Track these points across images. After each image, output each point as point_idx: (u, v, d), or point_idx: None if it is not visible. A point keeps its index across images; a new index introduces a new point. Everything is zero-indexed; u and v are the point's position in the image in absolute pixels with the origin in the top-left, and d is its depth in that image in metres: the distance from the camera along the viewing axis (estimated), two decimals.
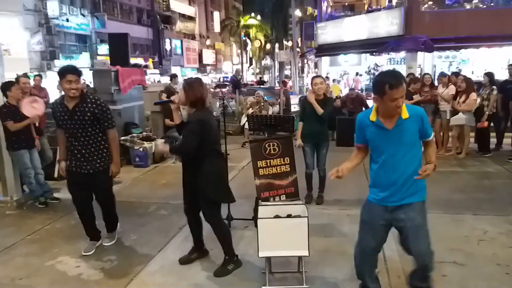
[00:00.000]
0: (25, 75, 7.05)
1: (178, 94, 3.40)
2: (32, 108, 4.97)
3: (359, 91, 14.02)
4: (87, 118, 3.53)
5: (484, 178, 6.36)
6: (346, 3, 25.22)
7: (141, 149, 7.33)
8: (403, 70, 17.10)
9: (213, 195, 3.35)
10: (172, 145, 3.37)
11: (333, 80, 17.76)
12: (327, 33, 21.17)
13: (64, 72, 3.50)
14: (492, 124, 7.87)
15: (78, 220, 4.74)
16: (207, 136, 3.25)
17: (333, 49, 20.51)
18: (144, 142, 7.53)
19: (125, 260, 3.73)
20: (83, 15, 26.83)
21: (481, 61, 17.01)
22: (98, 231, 4.04)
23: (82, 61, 26.23)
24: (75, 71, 3.53)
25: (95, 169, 3.63)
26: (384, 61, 20.61)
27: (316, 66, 27.70)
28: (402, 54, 18.21)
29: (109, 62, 8.53)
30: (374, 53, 18.47)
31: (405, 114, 2.55)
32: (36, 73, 14.46)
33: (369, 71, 21.40)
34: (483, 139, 7.97)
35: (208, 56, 46.24)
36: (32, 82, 8.30)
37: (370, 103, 10.13)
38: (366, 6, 23.16)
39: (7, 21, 20.04)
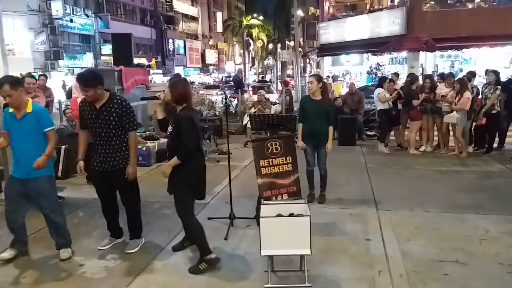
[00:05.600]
0: (29, 75, 7.06)
1: (164, 91, 3.55)
2: None
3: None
4: (112, 118, 3.59)
5: (487, 178, 6.36)
6: (348, 3, 25.20)
7: (144, 148, 7.36)
8: (405, 69, 17.10)
9: (194, 192, 3.52)
10: (177, 156, 3.33)
11: (333, 79, 17.71)
12: (329, 33, 21.17)
13: (77, 80, 3.73)
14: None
15: (82, 219, 4.82)
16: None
17: (335, 48, 20.51)
18: (147, 141, 7.58)
19: (128, 259, 3.75)
20: (87, 16, 26.94)
21: (483, 61, 16.98)
22: (120, 228, 4.06)
23: (85, 61, 26.38)
24: (83, 81, 3.56)
25: (116, 166, 3.68)
26: (386, 61, 20.59)
27: (318, 65, 27.69)
28: (404, 53, 18.19)
29: (112, 62, 8.57)
30: (376, 53, 18.46)
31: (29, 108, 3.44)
32: (41, 73, 14.51)
33: (371, 70, 21.38)
34: (480, 136, 7.99)
35: (211, 56, 46.29)
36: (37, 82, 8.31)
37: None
38: (368, 6, 23.14)
39: (11, 21, 20.16)
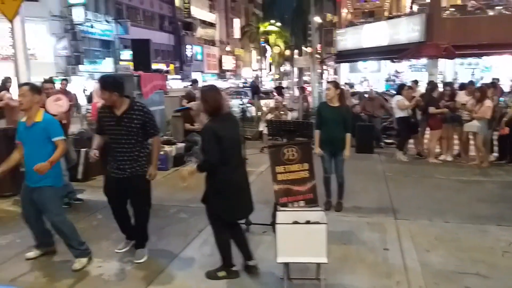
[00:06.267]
0: (50, 80, 7.22)
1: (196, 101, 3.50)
2: (56, 106, 5.14)
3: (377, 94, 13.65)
4: (134, 125, 3.61)
5: (509, 188, 6.20)
6: (366, 10, 25.10)
7: (161, 153, 7.42)
8: (424, 77, 16.85)
9: (214, 209, 3.38)
10: (197, 165, 3.29)
11: (350, 87, 17.58)
12: (347, 39, 21.11)
13: (98, 83, 3.73)
14: None
15: (101, 221, 4.89)
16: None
17: (353, 55, 20.43)
18: (165, 145, 7.65)
19: (145, 262, 3.78)
20: (107, 22, 27.51)
21: (504, 68, 16.63)
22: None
23: (105, 66, 26.87)
24: (102, 83, 3.62)
25: (134, 172, 3.69)
26: (405, 68, 20.37)
27: (335, 72, 27.58)
28: (423, 60, 17.96)
29: (131, 67, 8.71)
30: (395, 60, 18.28)
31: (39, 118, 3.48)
32: (62, 77, 14.84)
33: (389, 77, 21.17)
34: (504, 147, 7.79)
35: (228, 62, 46.63)
36: (58, 86, 8.52)
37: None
38: (386, 13, 22.99)
39: (34, 27, 20.66)
